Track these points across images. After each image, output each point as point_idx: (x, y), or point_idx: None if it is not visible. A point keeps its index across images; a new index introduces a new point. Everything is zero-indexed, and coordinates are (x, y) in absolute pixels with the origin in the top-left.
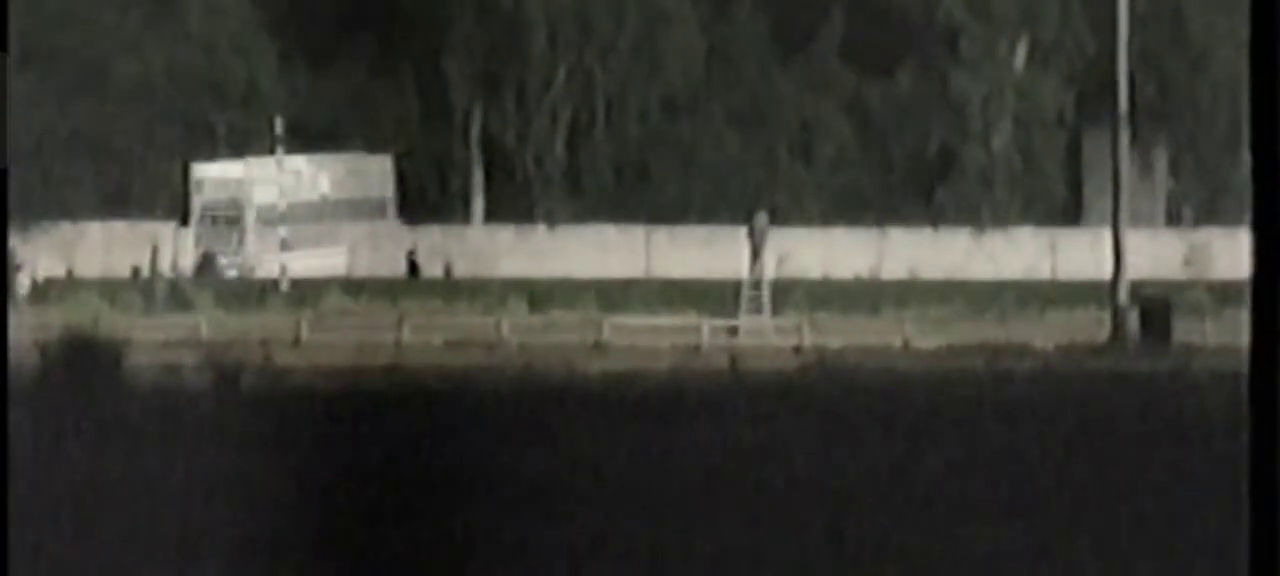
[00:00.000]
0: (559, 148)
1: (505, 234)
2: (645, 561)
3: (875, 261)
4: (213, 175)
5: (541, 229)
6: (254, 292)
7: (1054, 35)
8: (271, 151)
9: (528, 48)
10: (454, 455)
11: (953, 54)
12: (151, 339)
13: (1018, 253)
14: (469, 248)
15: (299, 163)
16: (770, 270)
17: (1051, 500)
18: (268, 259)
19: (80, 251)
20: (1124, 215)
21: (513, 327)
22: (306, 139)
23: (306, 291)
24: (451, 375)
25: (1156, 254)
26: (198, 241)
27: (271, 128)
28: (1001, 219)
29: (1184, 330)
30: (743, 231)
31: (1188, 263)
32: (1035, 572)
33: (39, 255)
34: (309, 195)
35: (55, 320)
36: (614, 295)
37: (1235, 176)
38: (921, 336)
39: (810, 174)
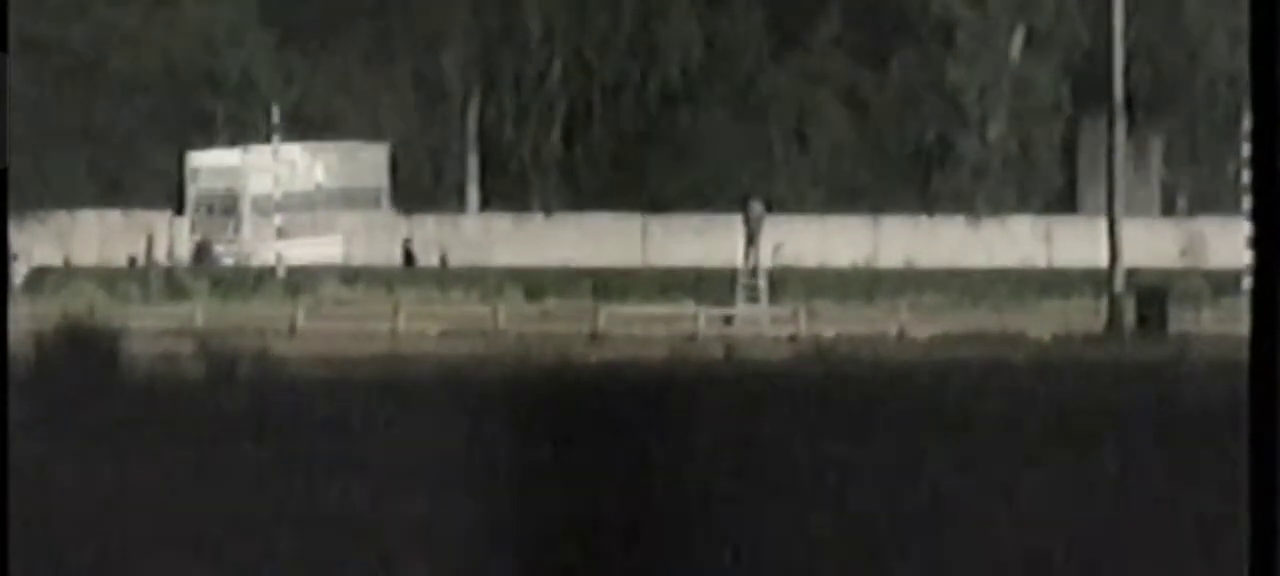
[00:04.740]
0: (555, 137)
1: (501, 222)
2: (639, 549)
3: (871, 250)
4: (208, 164)
5: (537, 218)
6: (250, 281)
7: (1050, 25)
8: (267, 140)
9: (524, 37)
10: (448, 443)
11: (949, 44)
12: (148, 327)
13: (1013, 241)
14: (465, 236)
15: (294, 151)
16: (766, 259)
17: (1047, 489)
18: (263, 247)
19: (76, 240)
20: (1120, 204)
21: (509, 316)
22: (303, 128)
23: (302, 280)
24: (447, 364)
25: (1152, 242)
26: (193, 230)
27: (267, 116)
28: (997, 208)
29: (1180, 318)
30: (739, 220)
31: (1183, 251)
32: (1032, 564)
33: (35, 244)
34: (304, 184)
35: (51, 309)
36: (610, 284)
37: (1231, 165)
38: (917, 325)
39: (806, 163)
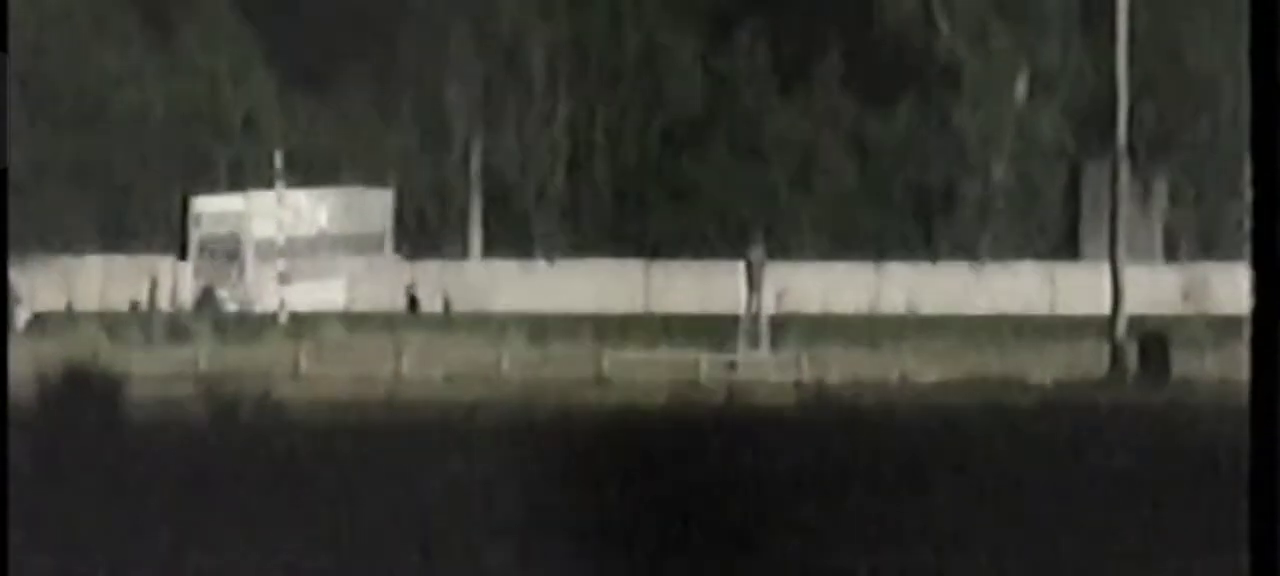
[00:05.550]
0: (558, 180)
1: (504, 268)
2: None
3: (874, 295)
4: (212, 209)
5: (540, 263)
6: (253, 326)
7: (1054, 68)
8: (271, 185)
9: (528, 80)
10: (451, 488)
11: (953, 87)
12: (150, 372)
13: (1017, 286)
14: (468, 281)
15: (298, 196)
16: (769, 304)
17: (1051, 533)
18: (267, 292)
19: (79, 284)
20: (1123, 249)
21: (512, 361)
22: (306, 171)
23: (305, 324)
24: (450, 408)
25: (1155, 288)
26: (197, 275)
27: (271, 161)
28: (1000, 252)
29: (1182, 364)
30: (741, 265)
31: (1186, 296)
32: None
33: (37, 289)
34: (307, 229)
35: (54, 353)
36: (613, 329)
37: (1234, 210)
38: (920, 370)
39: (810, 207)
